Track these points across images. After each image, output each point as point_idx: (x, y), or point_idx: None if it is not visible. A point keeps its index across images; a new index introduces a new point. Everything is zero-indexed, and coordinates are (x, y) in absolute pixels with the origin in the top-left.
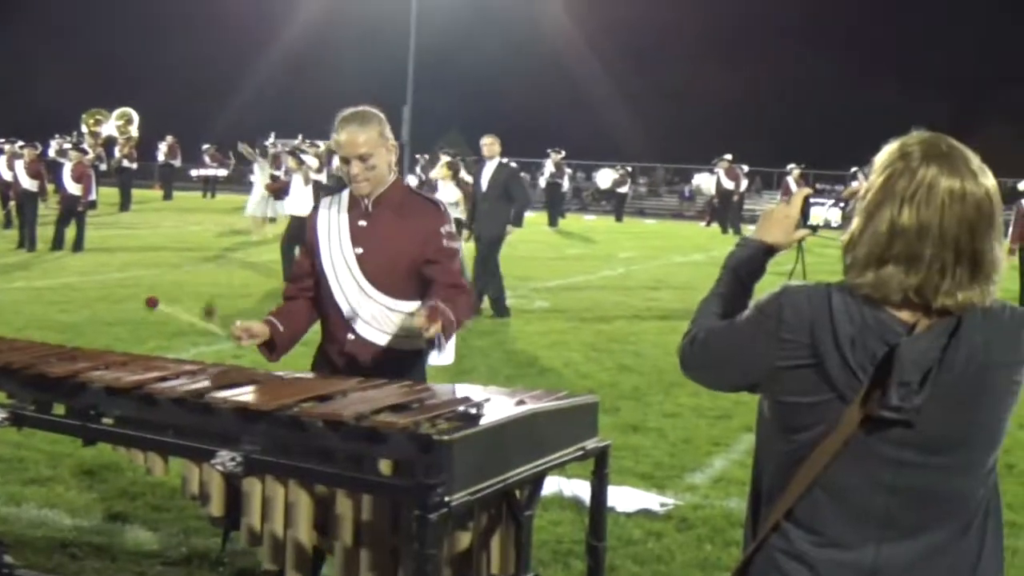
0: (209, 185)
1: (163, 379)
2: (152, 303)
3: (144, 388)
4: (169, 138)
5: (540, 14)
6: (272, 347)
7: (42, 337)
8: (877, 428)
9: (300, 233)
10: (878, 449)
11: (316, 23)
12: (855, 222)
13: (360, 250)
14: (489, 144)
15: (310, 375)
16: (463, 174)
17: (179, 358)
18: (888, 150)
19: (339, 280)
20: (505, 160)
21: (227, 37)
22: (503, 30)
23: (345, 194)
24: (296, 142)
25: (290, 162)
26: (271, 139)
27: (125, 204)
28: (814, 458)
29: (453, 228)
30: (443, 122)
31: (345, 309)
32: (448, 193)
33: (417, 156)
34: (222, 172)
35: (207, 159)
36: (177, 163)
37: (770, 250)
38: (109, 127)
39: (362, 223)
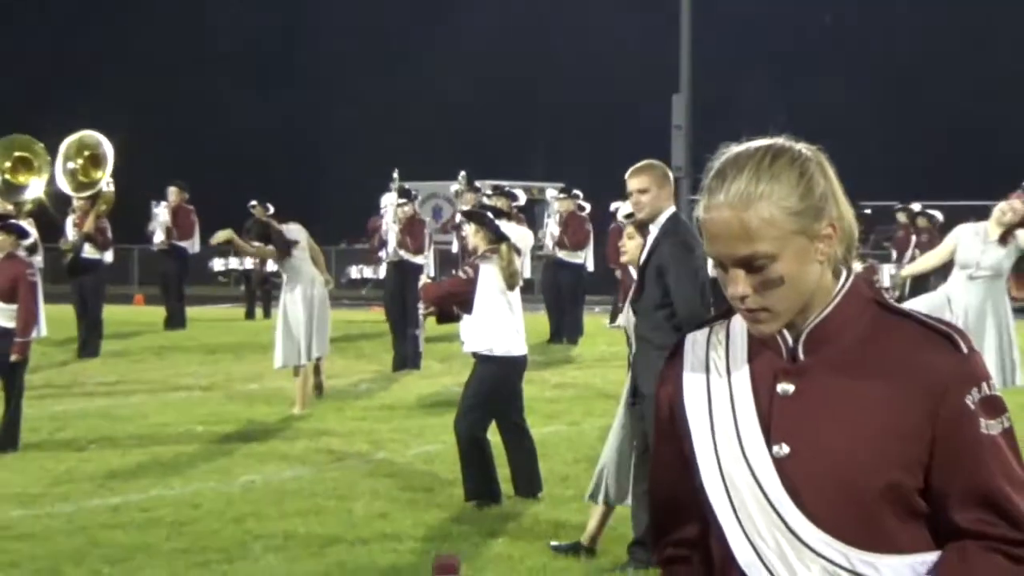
0: (256, 290)
1: None
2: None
3: None
4: (173, 193)
5: None
6: None
7: None
8: None
9: (506, 387)
10: None
11: None
12: None
13: (785, 449)
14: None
15: None
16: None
17: None
18: None
19: (737, 509)
20: (671, 213)
21: None
22: None
23: (738, 322)
24: (457, 185)
25: (473, 236)
26: (394, 179)
27: (90, 343)
28: None
29: (991, 388)
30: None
31: (752, 568)
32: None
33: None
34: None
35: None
36: (191, 247)
37: None
38: (43, 180)
39: (785, 387)
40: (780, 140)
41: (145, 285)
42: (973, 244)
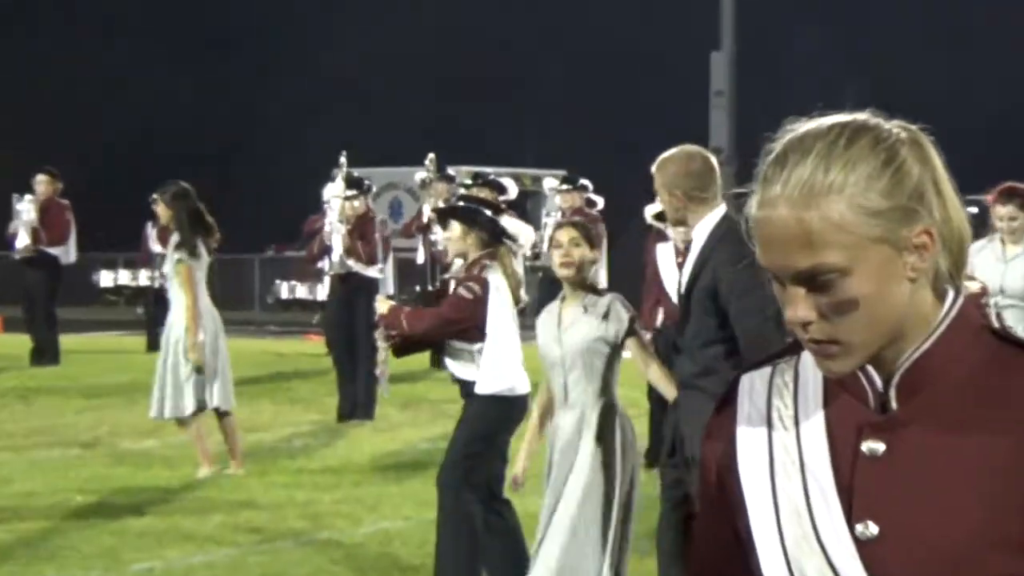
0: (157, 312)
1: None
2: None
3: None
4: (42, 183)
5: None
6: None
7: None
8: None
9: (505, 436)
10: None
11: None
12: None
13: (872, 529)
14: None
15: None
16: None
17: None
18: None
19: None
20: (722, 214)
21: None
22: None
23: (808, 361)
24: (424, 172)
25: (459, 239)
26: (341, 164)
27: None
28: None
29: None
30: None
31: None
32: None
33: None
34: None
35: (150, 237)
36: (65, 255)
37: None
38: None
39: (873, 446)
40: (864, 116)
41: (4, 304)
42: (991, 265)
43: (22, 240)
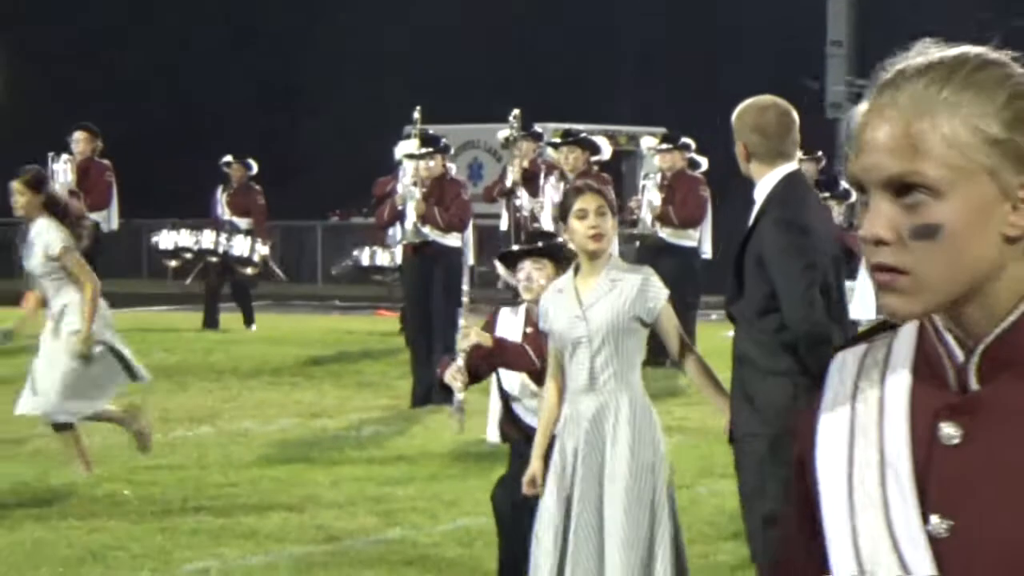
0: (218, 285)
1: None
2: None
3: None
4: (81, 141)
5: None
6: None
7: None
8: None
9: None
10: None
11: None
12: None
13: (944, 524)
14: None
15: None
16: None
17: None
18: None
19: None
20: (786, 173)
21: None
22: None
23: (906, 334)
24: (507, 130)
25: (544, 273)
26: (414, 120)
27: None
28: None
29: None
30: None
31: None
32: None
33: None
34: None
35: (221, 203)
36: (107, 221)
37: None
38: None
39: (949, 431)
40: (998, 53)
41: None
42: None
43: None
